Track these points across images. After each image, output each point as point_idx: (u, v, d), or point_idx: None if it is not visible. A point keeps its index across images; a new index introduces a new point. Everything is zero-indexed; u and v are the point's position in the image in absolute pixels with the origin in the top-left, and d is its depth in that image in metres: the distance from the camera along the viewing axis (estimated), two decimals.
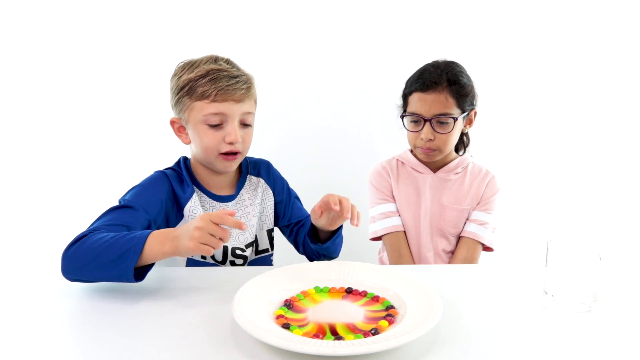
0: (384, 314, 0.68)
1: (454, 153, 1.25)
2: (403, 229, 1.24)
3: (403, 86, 1.20)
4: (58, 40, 1.58)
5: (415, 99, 1.15)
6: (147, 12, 1.58)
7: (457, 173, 1.23)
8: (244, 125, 0.98)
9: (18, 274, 0.89)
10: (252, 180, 1.11)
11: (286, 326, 0.63)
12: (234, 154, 0.97)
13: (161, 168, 1.03)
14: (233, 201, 1.05)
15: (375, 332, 0.62)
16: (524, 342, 0.63)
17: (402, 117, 1.20)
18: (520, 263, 0.93)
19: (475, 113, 1.20)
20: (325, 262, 0.84)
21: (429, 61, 1.19)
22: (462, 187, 1.22)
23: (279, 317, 0.67)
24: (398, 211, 1.25)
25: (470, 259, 1.18)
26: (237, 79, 0.94)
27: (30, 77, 1.60)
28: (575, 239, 0.73)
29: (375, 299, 0.74)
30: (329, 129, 1.67)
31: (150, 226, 0.90)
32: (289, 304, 0.71)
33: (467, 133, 1.27)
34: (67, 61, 1.60)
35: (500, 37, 1.62)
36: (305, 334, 0.61)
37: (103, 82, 1.62)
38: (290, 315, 0.68)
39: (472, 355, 0.59)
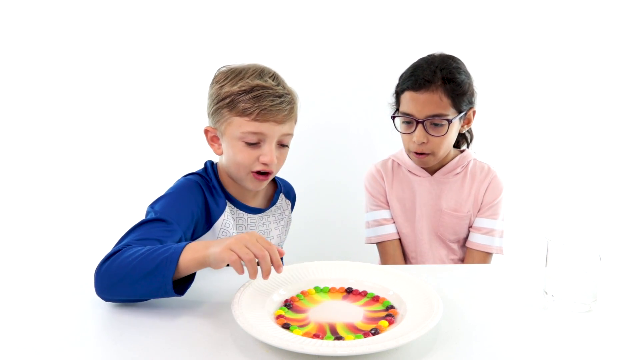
0: (384, 314, 0.68)
1: (452, 151, 1.18)
2: (397, 237, 1.21)
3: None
4: (80, 42, 1.58)
5: (407, 98, 1.07)
6: (151, 15, 1.58)
7: (457, 174, 1.17)
8: (281, 145, 0.95)
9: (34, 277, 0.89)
10: (282, 200, 1.10)
11: (286, 326, 0.63)
12: (266, 174, 0.94)
13: (184, 172, 1.00)
14: (261, 214, 1.03)
15: (375, 332, 0.62)
16: (524, 342, 0.63)
17: (393, 118, 1.12)
18: (520, 263, 0.93)
19: (475, 112, 1.13)
20: (326, 262, 0.84)
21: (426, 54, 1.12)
22: (462, 190, 1.16)
23: (279, 317, 0.67)
24: (393, 218, 1.22)
25: None
26: (282, 99, 0.90)
27: (46, 80, 1.59)
28: (575, 239, 0.73)
29: (375, 299, 0.74)
30: (328, 128, 1.67)
31: (181, 241, 0.85)
32: (289, 304, 0.71)
33: (470, 129, 1.20)
34: (89, 64, 1.59)
35: (506, 30, 1.60)
36: (305, 334, 0.61)
37: (123, 85, 1.61)
38: (290, 315, 0.68)
39: (472, 355, 0.59)
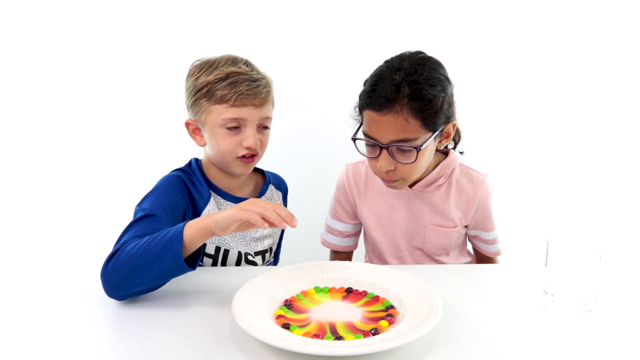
0: (384, 314, 0.68)
1: (434, 158, 0.98)
2: (350, 250, 1.14)
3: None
4: (63, 39, 1.57)
5: (368, 118, 0.87)
6: (147, 12, 1.58)
7: (440, 185, 1.00)
8: (262, 127, 0.97)
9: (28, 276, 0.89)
10: (272, 191, 1.11)
11: (286, 326, 0.64)
12: (252, 156, 0.96)
13: (169, 170, 1.00)
14: None
15: (375, 332, 0.62)
16: (524, 342, 0.63)
17: (353, 139, 0.92)
18: (520, 263, 0.93)
19: (455, 125, 0.93)
20: (326, 262, 0.84)
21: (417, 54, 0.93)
22: (447, 202, 1.00)
23: (279, 317, 0.67)
24: (365, 231, 1.09)
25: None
26: (257, 83, 0.92)
27: (24, 80, 1.58)
28: (575, 239, 0.73)
29: (375, 299, 0.74)
30: (327, 128, 1.66)
31: None
32: (289, 304, 0.71)
33: (457, 129, 1.01)
34: (70, 63, 1.58)
35: (501, 29, 1.58)
36: (306, 334, 0.61)
37: (105, 83, 1.61)
38: (290, 315, 0.68)
39: (472, 355, 0.59)
